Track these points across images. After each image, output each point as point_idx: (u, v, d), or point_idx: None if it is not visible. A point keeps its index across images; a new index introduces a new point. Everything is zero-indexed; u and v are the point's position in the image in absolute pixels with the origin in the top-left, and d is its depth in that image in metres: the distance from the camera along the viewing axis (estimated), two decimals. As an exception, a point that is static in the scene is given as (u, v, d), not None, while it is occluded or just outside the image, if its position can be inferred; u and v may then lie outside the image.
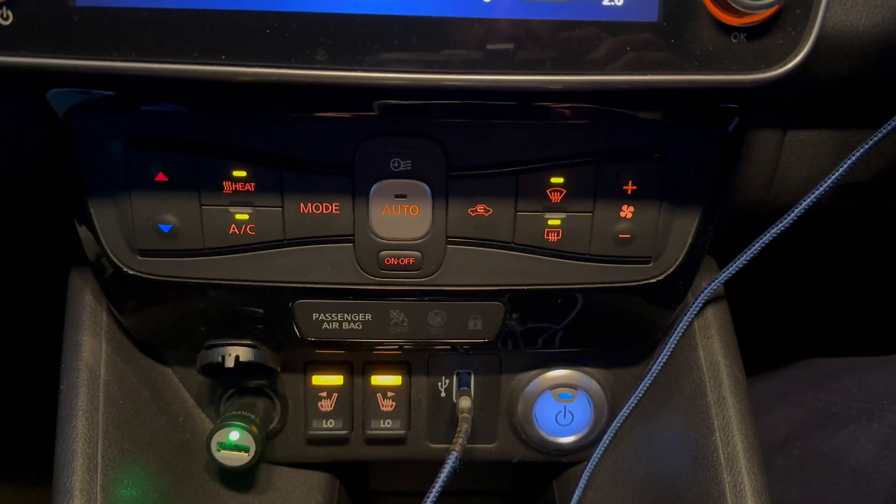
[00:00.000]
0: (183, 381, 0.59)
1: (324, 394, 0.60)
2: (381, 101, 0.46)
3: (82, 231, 0.50)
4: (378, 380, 0.60)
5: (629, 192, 0.50)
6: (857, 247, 0.80)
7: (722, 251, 0.58)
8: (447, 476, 0.52)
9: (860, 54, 0.46)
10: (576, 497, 0.60)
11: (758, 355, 0.69)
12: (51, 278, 0.58)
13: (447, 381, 0.61)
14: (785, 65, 0.40)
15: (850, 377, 0.66)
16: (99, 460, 0.49)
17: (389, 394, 0.60)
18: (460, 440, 0.54)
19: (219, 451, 0.54)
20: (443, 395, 0.61)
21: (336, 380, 0.60)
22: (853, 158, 0.50)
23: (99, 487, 0.48)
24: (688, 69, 0.40)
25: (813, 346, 0.77)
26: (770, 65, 0.40)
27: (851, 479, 0.57)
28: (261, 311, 0.53)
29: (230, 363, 0.52)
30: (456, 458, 0.53)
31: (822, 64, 0.46)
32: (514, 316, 0.54)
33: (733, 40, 0.40)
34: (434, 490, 0.52)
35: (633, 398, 0.59)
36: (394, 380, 0.60)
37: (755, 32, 0.40)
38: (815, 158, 0.55)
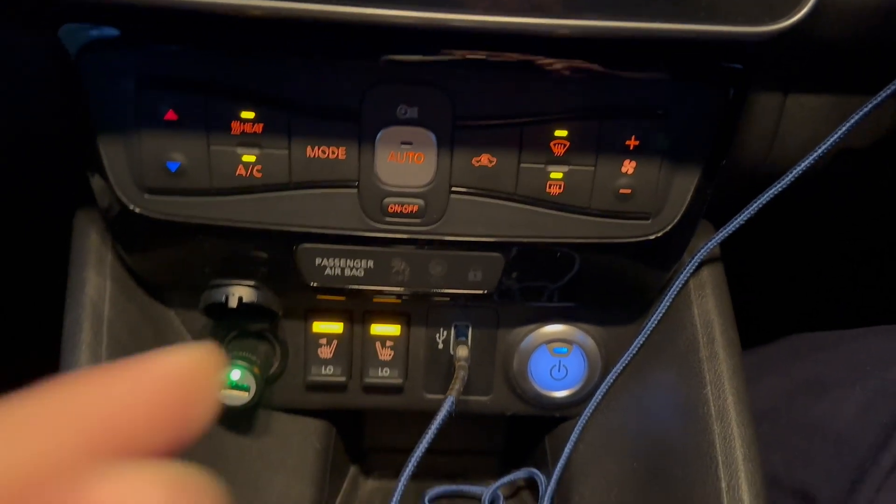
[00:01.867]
0: (185, 324, 0.60)
1: (323, 341, 0.61)
2: (390, 48, 0.46)
3: (90, 170, 0.51)
4: (377, 329, 0.61)
5: (631, 148, 0.51)
6: (858, 215, 0.81)
7: (719, 217, 0.59)
8: (443, 420, 0.53)
9: (864, 17, 0.47)
10: (567, 450, 0.61)
11: (752, 325, 0.70)
12: (56, 220, 0.59)
13: (445, 333, 0.62)
14: (789, 18, 0.41)
15: (837, 347, 0.67)
16: None
17: (388, 343, 0.61)
18: (457, 386, 0.56)
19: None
20: (440, 346, 0.62)
21: (336, 327, 0.61)
22: (851, 121, 0.51)
23: None
24: (694, 19, 0.41)
25: (810, 318, 0.78)
26: (775, 18, 0.41)
27: (833, 443, 0.58)
28: (265, 254, 0.54)
29: (233, 303, 0.53)
30: (452, 402, 0.54)
31: (824, 25, 0.47)
32: (514, 268, 0.55)
33: (740, -9, 0.41)
34: (429, 432, 0.53)
35: (627, 354, 0.60)
36: (393, 330, 0.61)
37: (762, -16, 0.41)
38: (815, 122, 0.55)
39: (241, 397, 0.55)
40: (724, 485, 0.50)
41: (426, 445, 0.53)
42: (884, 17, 0.47)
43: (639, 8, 0.41)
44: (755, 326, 0.68)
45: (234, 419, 0.59)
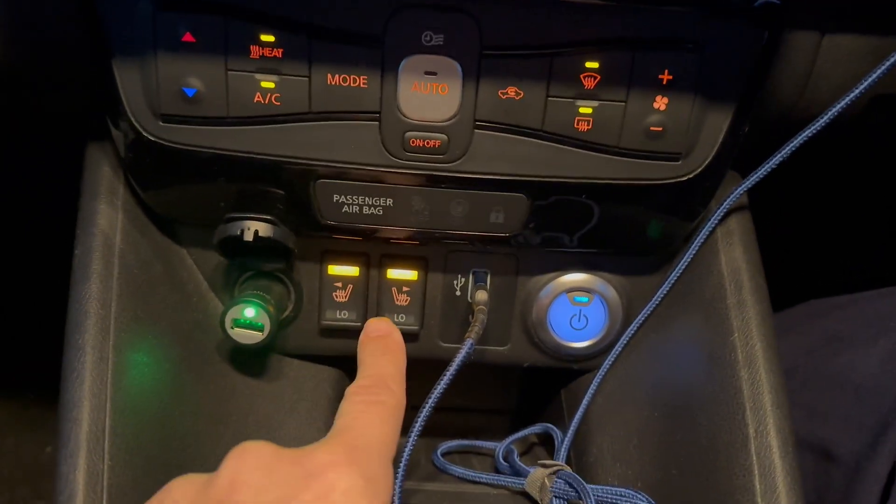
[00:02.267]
0: (198, 264, 0.58)
1: (339, 284, 0.59)
2: None
3: (106, 97, 0.50)
4: (394, 273, 0.59)
5: (664, 83, 0.49)
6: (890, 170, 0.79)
7: (745, 168, 0.58)
8: (460, 364, 0.52)
9: None
10: (585, 400, 0.60)
11: (776, 284, 0.69)
12: (68, 151, 0.57)
13: (463, 279, 0.60)
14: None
15: (857, 306, 0.65)
16: (112, 322, 0.48)
17: (405, 288, 0.60)
18: (476, 328, 0.54)
19: (233, 328, 0.53)
20: (458, 293, 0.61)
21: (352, 271, 0.59)
22: (887, 64, 0.50)
23: (111, 346, 0.47)
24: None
25: (835, 278, 0.77)
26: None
27: (854, 395, 0.56)
28: (281, 189, 0.52)
29: (249, 237, 0.52)
30: (471, 345, 0.53)
31: None
32: (537, 210, 0.53)
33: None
34: (446, 375, 0.51)
35: (650, 303, 0.59)
36: (410, 275, 0.60)
37: None
38: (850, 65, 0.53)
39: (255, 336, 0.53)
40: (751, 430, 0.49)
41: (443, 388, 0.51)
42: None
43: None
44: (778, 284, 0.66)
45: (247, 360, 0.58)
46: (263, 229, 0.52)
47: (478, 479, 0.60)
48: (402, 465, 0.47)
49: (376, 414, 0.43)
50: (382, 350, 0.50)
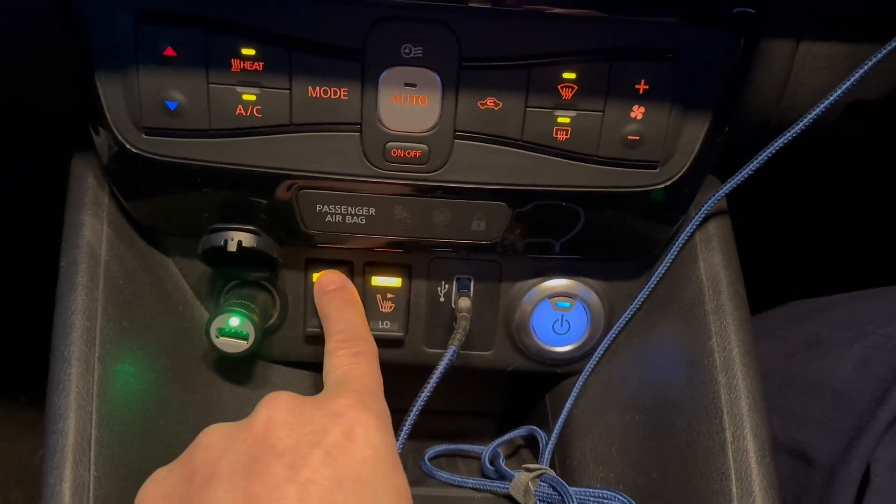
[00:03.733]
0: (183, 273, 0.59)
1: None
2: None
3: (88, 108, 0.50)
4: (378, 281, 0.60)
5: (641, 92, 0.49)
6: (871, 175, 0.79)
7: (725, 173, 0.58)
8: (444, 370, 0.53)
9: None
10: (568, 405, 0.60)
11: (755, 288, 0.69)
12: (54, 163, 0.57)
13: (447, 286, 0.61)
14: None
15: (836, 310, 0.66)
16: (97, 333, 0.49)
17: (389, 295, 0.60)
18: (458, 336, 0.55)
19: (218, 337, 0.54)
20: (442, 299, 0.61)
21: None
22: (862, 70, 0.50)
23: (97, 358, 0.48)
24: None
25: (814, 280, 0.77)
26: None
27: (830, 399, 0.57)
28: (264, 199, 0.53)
29: (232, 247, 0.52)
30: (454, 352, 0.53)
31: None
32: (518, 218, 0.54)
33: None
34: (431, 382, 0.52)
35: (631, 308, 0.59)
36: (394, 282, 0.60)
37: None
38: (827, 72, 0.54)
39: (240, 345, 0.54)
40: (728, 435, 0.50)
41: (428, 394, 0.52)
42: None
43: None
44: (758, 289, 0.67)
45: (233, 368, 0.58)
46: (247, 240, 0.53)
47: (463, 484, 0.61)
48: None
49: (364, 363, 0.49)
50: (343, 303, 0.55)
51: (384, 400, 0.46)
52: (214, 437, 0.41)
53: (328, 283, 0.57)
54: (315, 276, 0.59)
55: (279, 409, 0.41)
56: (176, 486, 0.40)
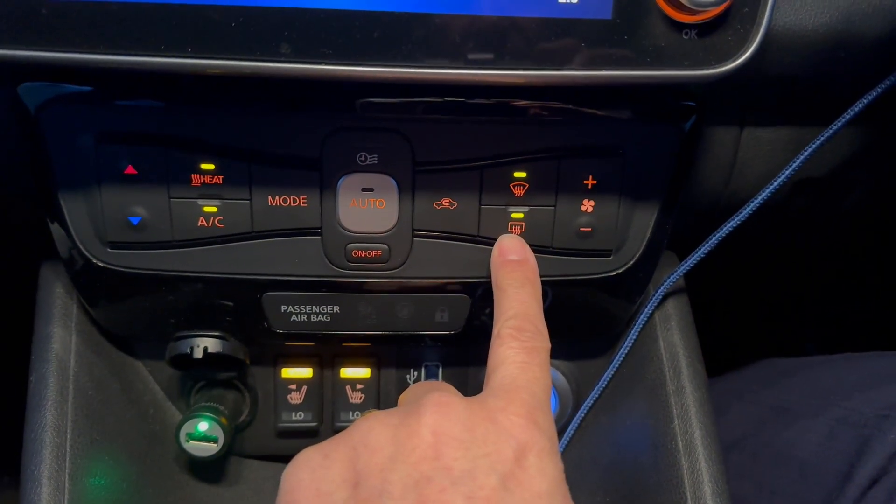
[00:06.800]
0: (153, 374, 0.60)
1: (293, 386, 0.60)
2: (347, 97, 0.47)
3: (53, 224, 0.51)
4: (347, 372, 0.61)
5: (589, 187, 0.51)
6: (820, 246, 0.82)
7: (683, 248, 0.60)
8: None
9: (809, 52, 0.48)
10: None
11: (721, 354, 0.71)
12: (21, 274, 0.58)
13: (416, 373, 0.62)
14: (734, 61, 0.42)
15: (804, 375, 0.67)
16: (67, 449, 0.49)
17: (359, 386, 0.61)
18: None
19: (187, 441, 0.54)
20: (411, 387, 0.62)
21: (305, 372, 0.60)
22: (806, 153, 0.52)
23: (67, 475, 0.48)
24: (641, 65, 0.42)
25: (778, 346, 0.79)
26: (720, 61, 0.42)
27: (798, 470, 0.58)
28: (230, 303, 0.54)
29: (199, 354, 0.53)
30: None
31: (772, 61, 0.48)
32: (481, 308, 0.55)
33: (685, 37, 0.42)
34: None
35: (596, 389, 0.60)
36: (363, 372, 0.61)
37: (705, 29, 0.42)
38: (771, 155, 0.56)
39: (210, 448, 0.54)
40: None
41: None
42: (828, 50, 0.48)
43: (591, 57, 0.42)
44: (725, 352, 0.68)
45: (206, 467, 0.59)
46: (213, 345, 0.54)
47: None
48: None
49: (538, 365, 0.43)
50: (523, 281, 0.48)
51: (551, 412, 0.41)
52: (380, 438, 0.37)
53: (508, 251, 0.50)
54: (284, 372, 0.60)
55: (451, 419, 0.37)
56: (337, 486, 0.36)
